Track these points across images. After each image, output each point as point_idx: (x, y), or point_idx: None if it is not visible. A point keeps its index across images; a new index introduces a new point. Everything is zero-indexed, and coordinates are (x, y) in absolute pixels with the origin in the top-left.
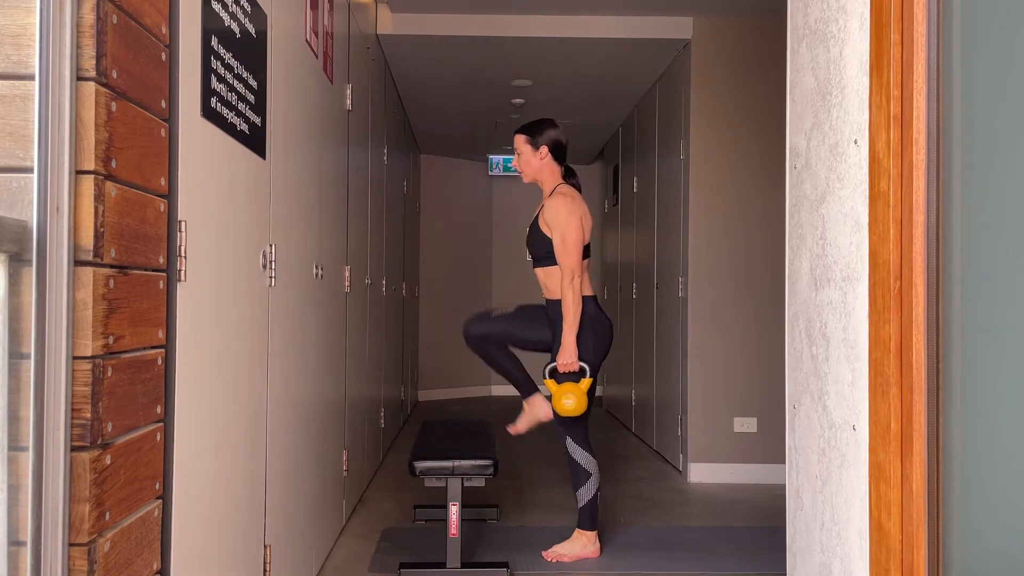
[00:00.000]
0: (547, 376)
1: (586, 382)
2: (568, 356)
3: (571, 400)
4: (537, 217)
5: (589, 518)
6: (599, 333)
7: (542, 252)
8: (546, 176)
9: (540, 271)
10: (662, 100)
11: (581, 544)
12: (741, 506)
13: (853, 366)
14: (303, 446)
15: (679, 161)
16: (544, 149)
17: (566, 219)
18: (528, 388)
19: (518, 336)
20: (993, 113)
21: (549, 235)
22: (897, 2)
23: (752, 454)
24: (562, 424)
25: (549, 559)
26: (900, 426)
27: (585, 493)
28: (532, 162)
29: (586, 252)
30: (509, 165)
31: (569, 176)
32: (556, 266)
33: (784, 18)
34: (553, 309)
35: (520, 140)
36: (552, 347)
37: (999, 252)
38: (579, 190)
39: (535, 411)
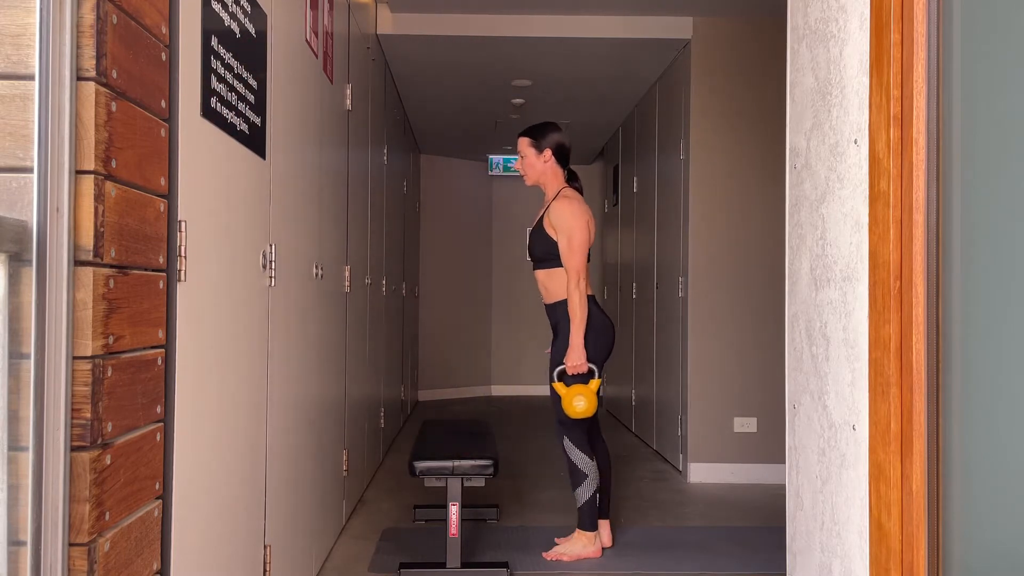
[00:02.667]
0: (556, 379)
1: (595, 383)
2: (577, 358)
3: (582, 402)
4: (541, 219)
5: (588, 518)
6: (601, 332)
7: (544, 254)
8: (549, 179)
9: (542, 273)
10: (662, 100)
11: (581, 544)
12: (741, 506)
13: (853, 366)
14: (303, 446)
15: (679, 161)
16: (548, 152)
17: (572, 222)
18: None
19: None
20: (993, 113)
21: (554, 237)
22: (897, 2)
23: (752, 454)
24: (561, 424)
25: (549, 559)
26: (900, 426)
27: (583, 493)
28: (536, 165)
29: (587, 255)
30: (509, 165)
31: (572, 179)
32: (558, 268)
33: (784, 18)
34: (553, 312)
35: (524, 143)
36: (555, 348)
37: (999, 252)
38: (581, 193)
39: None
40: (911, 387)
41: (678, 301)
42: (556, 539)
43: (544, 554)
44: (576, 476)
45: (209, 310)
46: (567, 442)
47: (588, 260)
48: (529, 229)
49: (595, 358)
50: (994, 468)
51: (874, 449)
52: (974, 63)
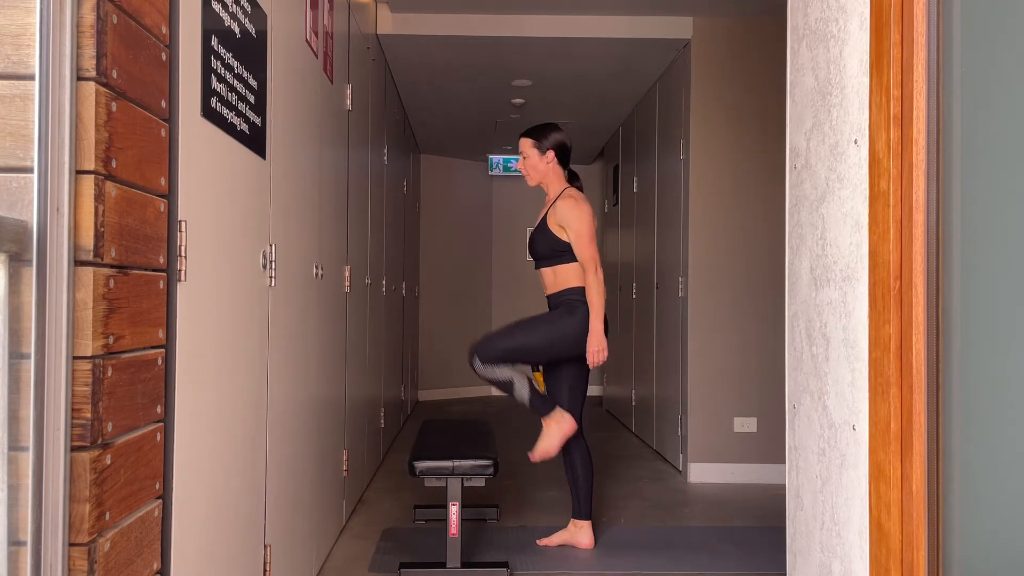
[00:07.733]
0: (535, 368)
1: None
2: (597, 343)
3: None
4: (545, 219)
5: (542, 404)
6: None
7: (550, 252)
8: (552, 179)
9: (548, 271)
10: (662, 100)
11: (557, 427)
12: (741, 506)
13: (853, 366)
14: (303, 446)
15: (679, 161)
16: (550, 153)
17: (579, 216)
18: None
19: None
20: (993, 113)
21: (561, 236)
22: (897, 2)
23: (752, 454)
24: (475, 351)
25: (533, 459)
26: (900, 426)
27: (522, 392)
28: (538, 166)
29: None
30: (509, 165)
31: (573, 179)
32: (565, 264)
33: (784, 18)
34: (556, 299)
35: (526, 144)
36: (549, 316)
37: (999, 252)
38: (582, 192)
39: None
40: (911, 387)
41: (678, 301)
42: (537, 541)
43: (529, 455)
44: (506, 387)
45: (209, 310)
46: (478, 364)
47: None
48: (530, 229)
49: (580, 348)
50: (994, 468)
51: (874, 449)
52: (974, 63)
